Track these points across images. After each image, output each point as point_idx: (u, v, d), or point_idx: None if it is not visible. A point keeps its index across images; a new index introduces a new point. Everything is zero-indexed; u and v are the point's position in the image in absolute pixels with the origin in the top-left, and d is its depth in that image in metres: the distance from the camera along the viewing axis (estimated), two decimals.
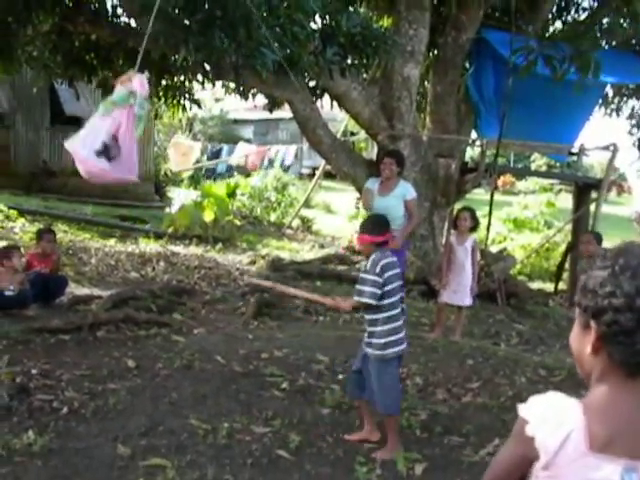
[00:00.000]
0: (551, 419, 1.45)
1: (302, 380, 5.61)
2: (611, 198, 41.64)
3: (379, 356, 4.29)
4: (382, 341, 4.29)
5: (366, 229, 4.41)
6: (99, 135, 5.30)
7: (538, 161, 40.49)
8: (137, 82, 5.41)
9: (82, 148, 5.31)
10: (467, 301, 7.45)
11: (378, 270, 4.21)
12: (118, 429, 4.32)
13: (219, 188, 16.50)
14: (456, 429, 4.82)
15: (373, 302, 4.22)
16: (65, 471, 3.74)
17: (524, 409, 1.51)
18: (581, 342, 1.50)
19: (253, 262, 11.78)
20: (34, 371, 5.17)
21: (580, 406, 1.45)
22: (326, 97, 10.10)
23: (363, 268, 4.37)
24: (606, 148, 10.97)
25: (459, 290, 7.39)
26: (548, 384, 6.01)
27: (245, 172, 23.73)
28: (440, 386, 5.74)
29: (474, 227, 7.39)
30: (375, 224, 4.51)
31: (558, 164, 28.14)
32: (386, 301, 4.27)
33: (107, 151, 5.27)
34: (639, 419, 1.42)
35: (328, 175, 19.97)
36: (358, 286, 4.29)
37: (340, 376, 5.79)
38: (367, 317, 4.37)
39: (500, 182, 37.51)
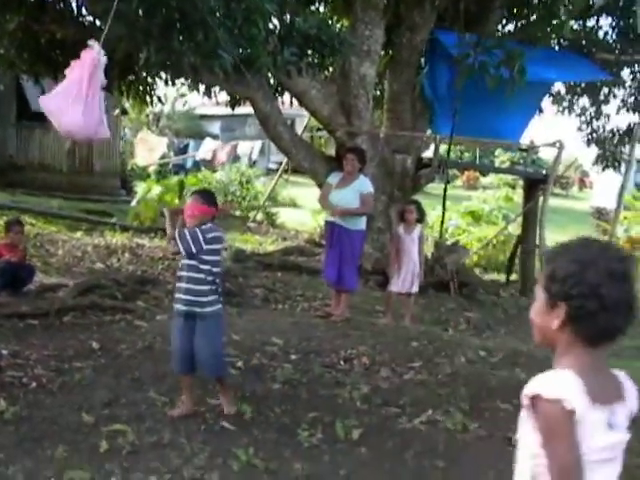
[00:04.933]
0: (573, 388, 1.73)
1: (256, 360, 6.04)
2: (573, 193, 42.61)
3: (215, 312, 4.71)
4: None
5: (205, 200, 4.71)
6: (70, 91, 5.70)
7: (501, 157, 41.22)
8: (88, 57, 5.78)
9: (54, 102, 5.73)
10: (414, 288, 7.93)
11: (208, 238, 4.58)
12: (82, 401, 4.74)
13: (173, 183, 16.83)
14: (394, 401, 5.28)
15: (181, 249, 4.61)
16: (34, 435, 4.16)
17: (547, 391, 1.74)
18: (546, 318, 1.83)
19: None
20: (4, 351, 5.55)
21: (573, 374, 1.75)
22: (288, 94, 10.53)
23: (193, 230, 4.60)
24: (553, 145, 11.52)
25: (407, 279, 7.87)
26: (485, 364, 6.50)
27: (212, 167, 24.02)
28: (385, 365, 6.20)
29: (420, 219, 7.88)
30: (212, 196, 4.88)
31: (522, 160, 28.88)
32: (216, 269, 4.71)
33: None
34: (601, 376, 1.82)
35: (296, 171, 20.37)
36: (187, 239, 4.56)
37: (292, 357, 6.23)
38: (203, 276, 4.61)
39: (464, 177, 38.23)
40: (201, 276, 4.62)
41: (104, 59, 5.90)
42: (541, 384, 1.75)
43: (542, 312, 1.84)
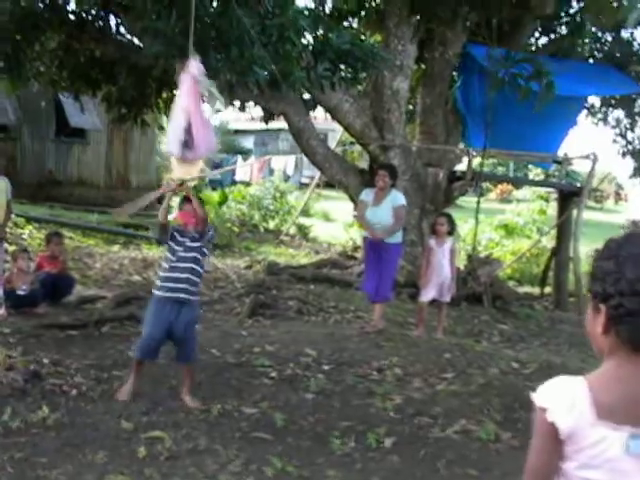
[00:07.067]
0: (563, 401, 1.61)
1: (290, 370, 6.13)
2: (608, 206, 42.17)
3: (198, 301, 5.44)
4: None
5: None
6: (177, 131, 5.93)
7: (535, 170, 40.89)
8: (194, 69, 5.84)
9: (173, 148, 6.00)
10: (446, 298, 7.98)
11: (211, 234, 5.47)
12: (122, 409, 4.86)
13: (213, 197, 17.01)
14: (427, 411, 5.33)
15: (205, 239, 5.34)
16: (76, 441, 4.29)
17: (538, 398, 1.66)
18: (593, 324, 1.67)
19: (250, 266, 12.28)
20: (45, 360, 5.70)
21: (585, 382, 1.62)
22: (321, 109, 10.66)
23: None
24: (587, 157, 11.49)
25: (438, 289, 7.91)
26: (518, 375, 6.52)
27: (247, 182, 24.34)
28: (417, 376, 6.24)
29: (451, 231, 7.95)
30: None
31: (556, 173, 28.68)
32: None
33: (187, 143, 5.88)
34: None
35: (328, 184, 20.60)
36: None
37: (326, 367, 6.31)
38: (200, 269, 5.26)
39: (498, 190, 38.05)
40: (199, 268, 5.25)
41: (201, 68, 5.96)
42: (540, 390, 1.68)
43: (590, 318, 1.69)
